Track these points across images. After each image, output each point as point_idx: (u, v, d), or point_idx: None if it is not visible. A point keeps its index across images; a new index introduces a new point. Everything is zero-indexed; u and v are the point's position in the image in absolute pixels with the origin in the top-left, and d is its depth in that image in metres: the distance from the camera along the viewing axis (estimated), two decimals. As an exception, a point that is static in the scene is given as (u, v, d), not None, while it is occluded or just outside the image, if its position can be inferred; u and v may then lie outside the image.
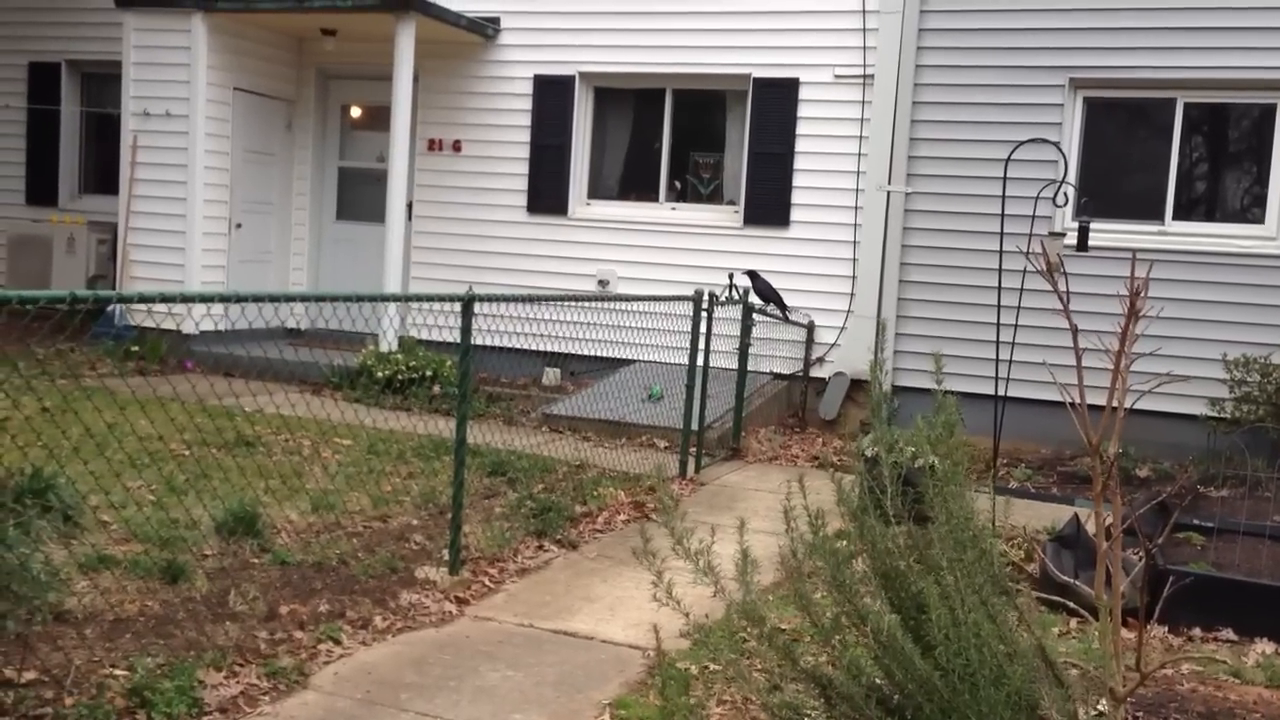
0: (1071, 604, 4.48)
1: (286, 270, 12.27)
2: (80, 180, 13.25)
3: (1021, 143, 7.49)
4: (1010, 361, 6.74)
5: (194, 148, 10.89)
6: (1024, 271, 6.55)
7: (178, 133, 10.92)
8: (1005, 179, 7.10)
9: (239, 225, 11.51)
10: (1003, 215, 7.07)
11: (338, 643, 4.41)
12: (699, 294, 7.97)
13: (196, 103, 10.86)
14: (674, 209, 11.06)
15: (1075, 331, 3.13)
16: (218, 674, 3.96)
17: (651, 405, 9.22)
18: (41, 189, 13.06)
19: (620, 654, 4.59)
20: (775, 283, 9.84)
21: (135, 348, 10.40)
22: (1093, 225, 8.33)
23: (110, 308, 10.77)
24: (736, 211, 10.74)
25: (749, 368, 8.91)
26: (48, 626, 4.08)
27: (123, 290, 10.98)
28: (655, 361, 9.09)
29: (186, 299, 4.28)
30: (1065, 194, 7.07)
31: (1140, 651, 3.13)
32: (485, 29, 11.18)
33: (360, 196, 12.18)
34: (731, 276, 9.72)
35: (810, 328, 10.30)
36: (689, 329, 7.96)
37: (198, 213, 10.93)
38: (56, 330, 9.30)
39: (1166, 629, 5.15)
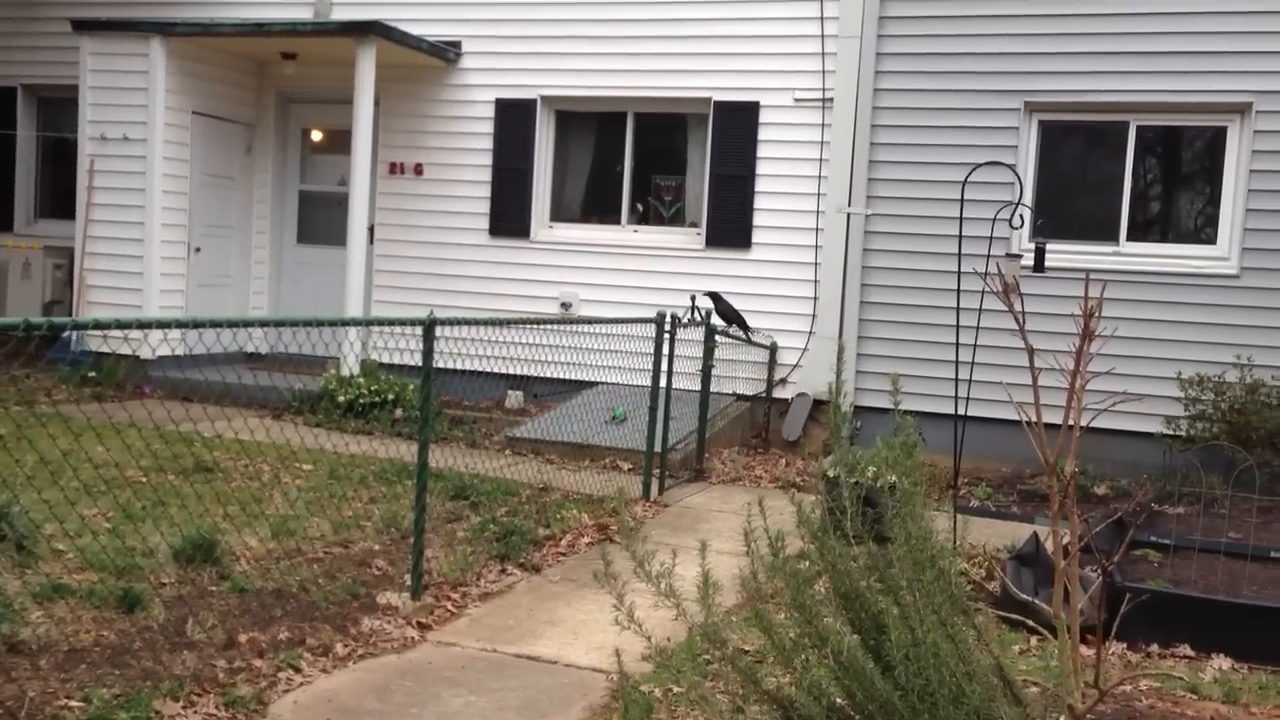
0: (1031, 622, 4.51)
1: (247, 294, 12.18)
2: (36, 205, 13.10)
3: (979, 165, 7.58)
4: (970, 381, 6.80)
5: (152, 172, 10.79)
6: (982, 292, 6.62)
7: (135, 157, 10.82)
8: (963, 201, 7.18)
9: (198, 249, 11.42)
10: (960, 237, 7.14)
11: (298, 671, 4.37)
12: (661, 316, 7.99)
13: (154, 127, 10.77)
14: (636, 231, 11.09)
15: (1031, 352, 3.17)
16: (175, 704, 3.90)
17: (615, 427, 9.21)
18: (-4, 213, 12.90)
19: (584, 678, 4.58)
20: (737, 304, 9.89)
21: (92, 373, 10.28)
22: (1049, 246, 8.41)
23: (66, 333, 10.63)
24: (698, 234, 10.79)
25: (712, 389, 8.93)
26: (1, 658, 4.01)
27: (79, 315, 10.85)
28: (618, 383, 9.10)
29: (143, 325, 4.24)
30: (1022, 216, 7.15)
31: (1099, 668, 3.16)
32: (447, 53, 11.19)
33: (321, 220, 12.13)
34: (694, 298, 9.77)
35: (773, 349, 10.35)
36: (651, 351, 7.97)
37: (156, 237, 10.82)
38: (11, 357, 9.16)
39: (1125, 646, 5.20)
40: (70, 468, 5.72)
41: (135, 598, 4.73)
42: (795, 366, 10.34)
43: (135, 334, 10.10)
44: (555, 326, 9.45)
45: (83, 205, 11.06)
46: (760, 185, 10.47)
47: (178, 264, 11.16)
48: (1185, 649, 5.22)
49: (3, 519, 5.04)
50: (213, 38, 11.06)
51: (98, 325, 4.12)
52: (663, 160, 11.18)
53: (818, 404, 10.11)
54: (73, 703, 3.80)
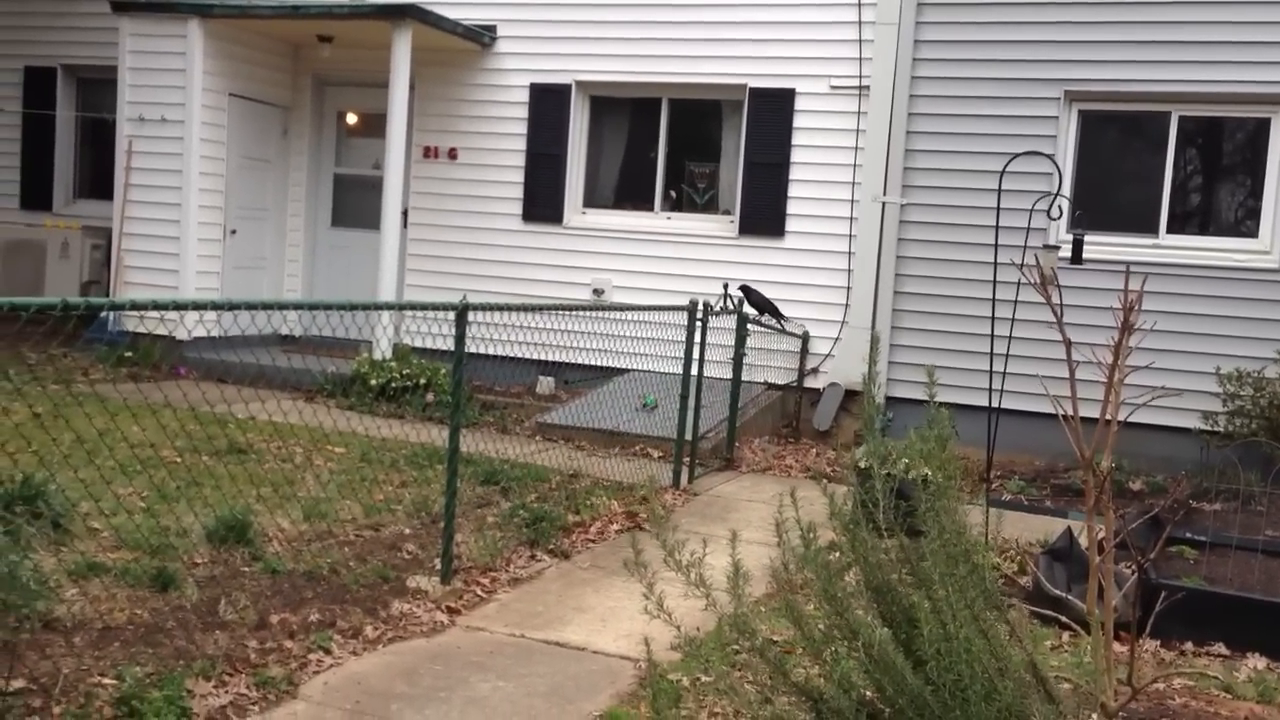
0: (1064, 618, 4.47)
1: (281, 276, 12.26)
2: (75, 185, 13.23)
3: (1016, 155, 7.50)
4: (1005, 373, 6.74)
5: (189, 153, 10.86)
6: (1018, 284, 6.55)
7: (173, 138, 10.90)
8: (1000, 191, 7.09)
9: (234, 231, 11.50)
10: (997, 227, 7.06)
11: (328, 652, 4.39)
12: (693, 303, 7.96)
13: (192, 108, 10.84)
14: (669, 218, 11.06)
15: (1069, 345, 3.13)
16: (207, 683, 3.93)
17: (645, 415, 9.21)
18: (36, 194, 13.04)
19: (611, 665, 4.58)
20: (770, 293, 9.85)
21: (129, 354, 10.37)
22: (1087, 238, 8.32)
23: (103, 313, 10.74)
24: (732, 221, 10.75)
25: (743, 377, 8.90)
26: (36, 634, 4.06)
27: (117, 296, 10.96)
28: (649, 371, 9.08)
29: (179, 306, 4.27)
30: (1060, 207, 7.06)
31: (1132, 666, 3.12)
32: (482, 37, 11.19)
33: (356, 203, 12.17)
34: (726, 286, 9.73)
35: (805, 338, 10.30)
36: (683, 338, 7.95)
37: (192, 218, 10.90)
38: (49, 336, 9.26)
39: (1159, 643, 5.15)
40: (106, 447, 5.78)
41: (169, 577, 4.77)
42: (827, 356, 10.29)
43: (171, 315, 10.20)
44: (587, 313, 9.43)
45: (120, 186, 11.16)
46: (795, 173, 10.41)
47: (214, 245, 11.24)
48: (1220, 648, 5.16)
49: (39, 497, 5.10)
50: (250, 20, 11.11)
51: (135, 306, 4.15)
52: (697, 147, 11.14)
53: (849, 394, 10.05)
54: (106, 680, 3.84)
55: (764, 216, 10.51)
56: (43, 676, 3.79)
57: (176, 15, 10.85)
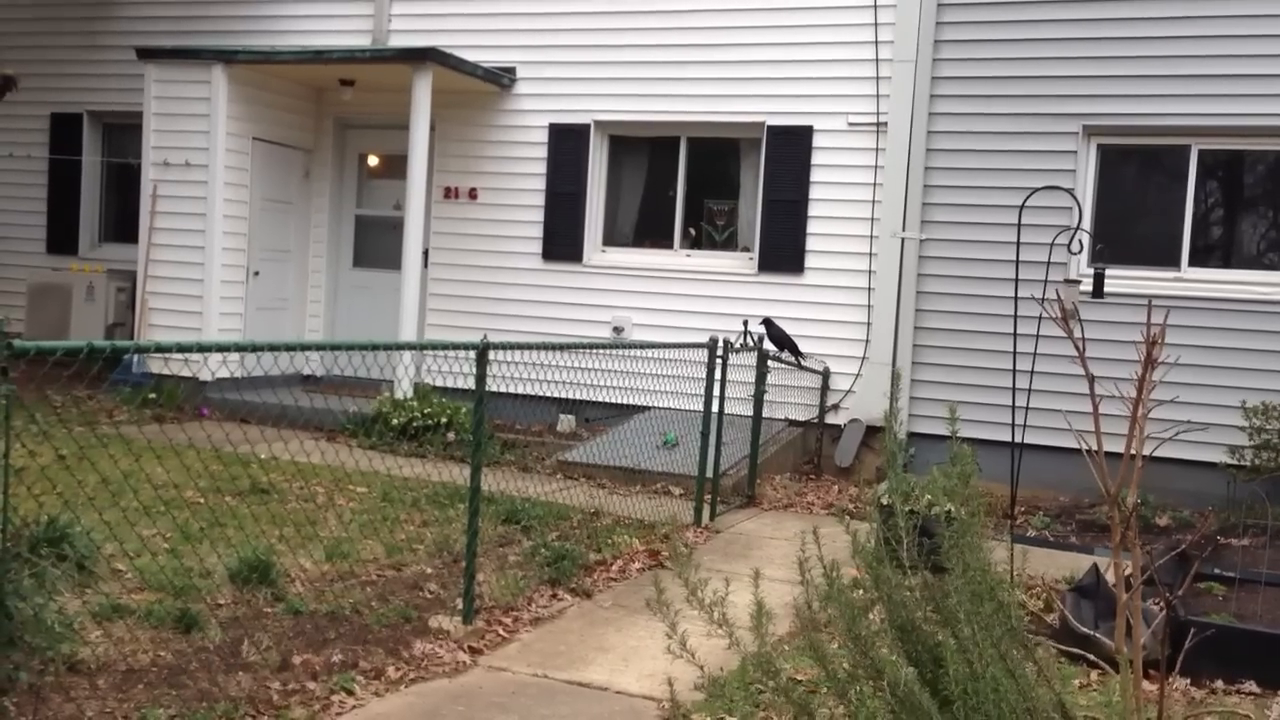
0: (1092, 656, 4.42)
1: (303, 317, 12.34)
2: (100, 229, 13.39)
3: (1036, 189, 7.50)
4: (1027, 409, 6.70)
5: (213, 197, 11.00)
6: (1039, 318, 6.54)
7: (197, 182, 11.04)
8: (1020, 225, 7.09)
9: (256, 273, 11.60)
10: (1017, 262, 7.05)
11: (350, 693, 4.38)
12: (713, 341, 7.97)
13: (216, 152, 10.97)
14: (689, 256, 11.09)
15: (1091, 380, 3.11)
16: (229, 726, 3.93)
17: (666, 452, 9.19)
18: (62, 238, 13.20)
19: (635, 705, 4.54)
20: (790, 329, 9.84)
21: (152, 395, 10.44)
22: (1108, 272, 8.31)
23: (127, 355, 10.82)
24: (751, 258, 10.77)
25: (764, 414, 8.89)
26: (60, 677, 4.06)
27: (141, 337, 11.06)
28: (670, 408, 9.07)
29: (202, 348, 4.31)
30: (1080, 241, 7.06)
31: (1162, 705, 3.08)
32: (501, 79, 11.30)
33: (377, 244, 12.27)
34: (746, 323, 9.73)
35: (825, 374, 10.29)
36: (704, 376, 7.95)
37: (216, 261, 11.02)
38: (75, 379, 9.33)
39: (1189, 681, 5.07)
40: (130, 488, 5.80)
41: (192, 618, 4.78)
42: (848, 392, 10.26)
43: (195, 356, 10.26)
44: (607, 351, 9.45)
45: (145, 229, 11.28)
46: (813, 210, 10.44)
47: (237, 287, 11.34)
48: (1251, 685, 5.07)
49: (65, 539, 5.11)
50: (273, 65, 11.26)
51: (159, 349, 4.20)
52: (715, 184, 11.19)
53: (871, 430, 10.01)
54: (130, 722, 3.84)
55: (783, 253, 10.53)
56: (67, 719, 3.79)
57: (201, 61, 11.01)
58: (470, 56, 10.98)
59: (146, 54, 11.29)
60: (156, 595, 5.06)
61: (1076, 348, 3.23)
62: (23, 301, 12.32)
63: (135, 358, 10.85)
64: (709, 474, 7.96)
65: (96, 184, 13.36)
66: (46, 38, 13.15)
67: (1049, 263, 7.43)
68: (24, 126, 13.27)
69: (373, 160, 12.48)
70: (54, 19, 13.14)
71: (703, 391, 7.93)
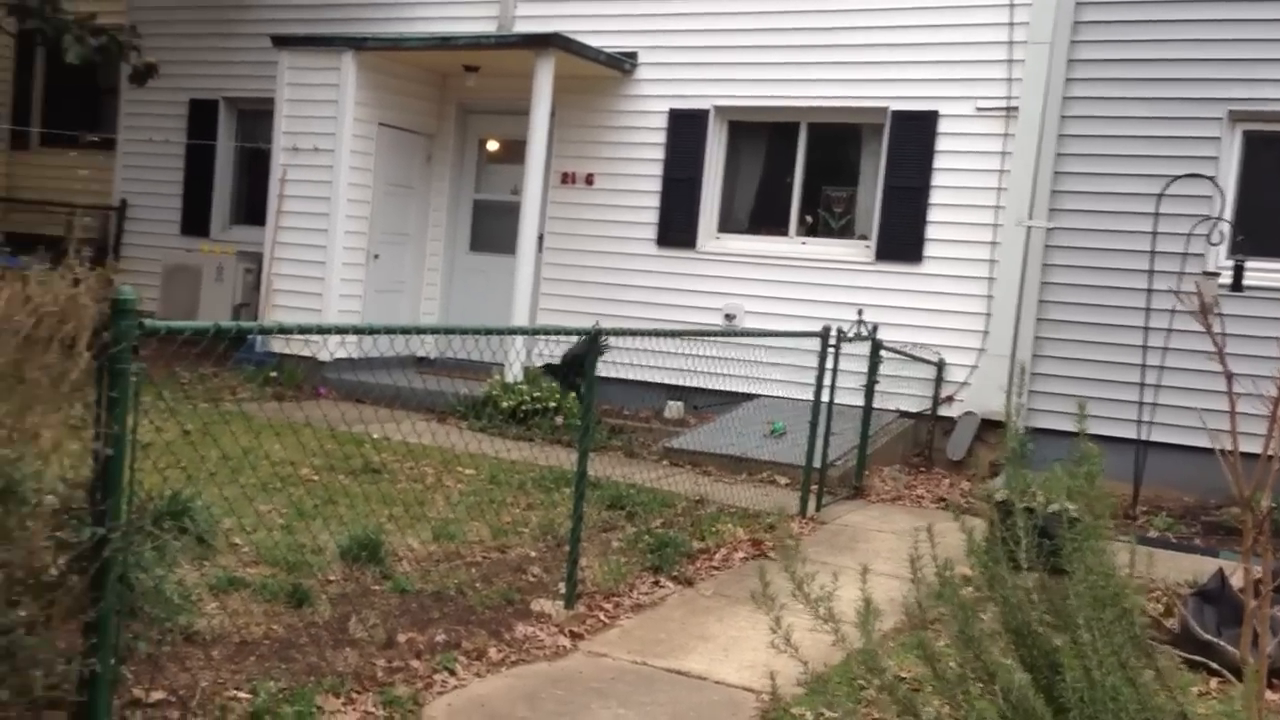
0: (1213, 664, 4.20)
1: (419, 300, 12.55)
2: (231, 212, 13.83)
3: (1176, 177, 7.15)
4: (1154, 405, 6.41)
5: (338, 181, 11.25)
6: (1172, 311, 6.24)
7: (323, 166, 11.30)
8: (1156, 215, 6.78)
9: (376, 256, 11.83)
10: (1153, 252, 6.75)
11: (452, 673, 4.41)
12: (826, 330, 7.82)
13: (343, 138, 11.22)
14: (804, 243, 10.92)
15: (1229, 377, 2.93)
16: (336, 700, 3.98)
17: (773, 441, 9.07)
18: (195, 220, 13.68)
19: (733, 696, 4.48)
20: (906, 319, 9.62)
21: (274, 374, 10.75)
22: (1249, 264, 7.89)
23: (251, 335, 11.16)
24: (868, 246, 10.55)
25: (875, 404, 8.69)
26: (177, 647, 4.17)
27: (265, 318, 11.39)
28: (779, 397, 8.96)
29: (322, 330, 4.39)
30: (1220, 231, 6.71)
31: (1295, 723, 2.89)
32: (623, 64, 11.28)
33: (493, 228, 12.39)
34: (860, 312, 9.54)
35: (940, 365, 10.02)
36: (815, 364, 7.81)
37: (338, 244, 11.28)
38: (202, 356, 9.65)
39: (1322, 697, 4.78)
40: (249, 465, 5.96)
41: (303, 594, 4.87)
42: (963, 384, 9.98)
43: (314, 337, 10.52)
44: (718, 339, 9.37)
45: (273, 213, 11.61)
46: (935, 197, 10.16)
47: (357, 270, 11.59)
48: (1393, 705, 4.76)
49: (186, 513, 5.26)
50: (401, 51, 11.45)
51: (281, 330, 4.28)
52: (834, 171, 10.98)
53: (985, 424, 9.72)
54: (241, 694, 3.92)
55: (902, 241, 10.28)
56: (181, 689, 3.89)
57: (332, 49, 11.26)
58: (592, 42, 10.98)
59: (281, 42, 11.59)
60: (271, 570, 5.18)
61: (1215, 343, 3.04)
62: (158, 281, 12.81)
63: (258, 337, 11.17)
64: (816, 464, 7.81)
65: (229, 168, 13.79)
66: (186, 26, 13.61)
67: (1185, 254, 7.11)
68: (164, 113, 13.77)
69: (492, 145, 12.60)
70: (193, 8, 13.60)
71: (813, 380, 7.79)
